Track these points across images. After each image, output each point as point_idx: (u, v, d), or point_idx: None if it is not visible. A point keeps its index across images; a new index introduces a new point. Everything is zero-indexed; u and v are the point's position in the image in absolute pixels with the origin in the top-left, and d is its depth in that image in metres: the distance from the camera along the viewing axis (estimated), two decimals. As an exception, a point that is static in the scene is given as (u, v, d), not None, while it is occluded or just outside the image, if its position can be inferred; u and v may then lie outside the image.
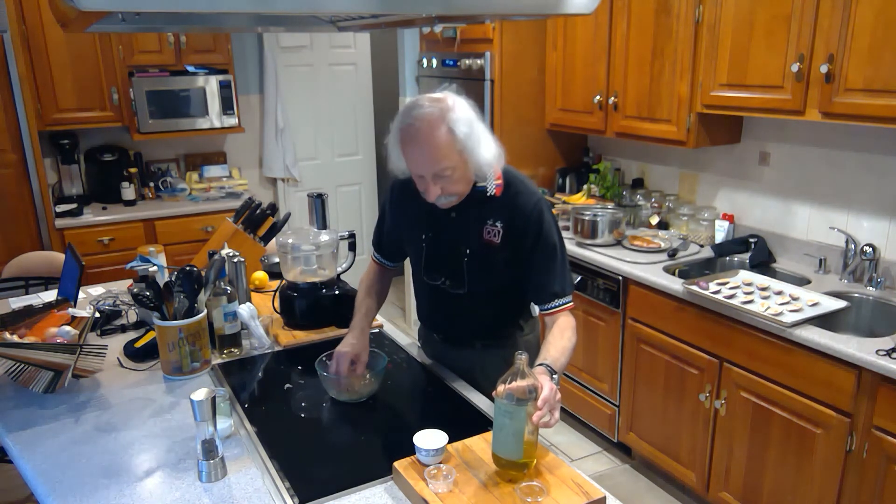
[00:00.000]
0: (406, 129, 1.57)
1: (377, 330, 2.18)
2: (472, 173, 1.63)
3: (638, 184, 3.57)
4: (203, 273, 1.90)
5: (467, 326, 1.88)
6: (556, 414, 1.39)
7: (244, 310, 2.03)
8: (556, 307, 1.71)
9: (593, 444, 3.29)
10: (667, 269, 2.79)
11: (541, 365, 1.53)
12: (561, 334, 1.66)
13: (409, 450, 1.42)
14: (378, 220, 1.99)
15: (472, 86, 3.69)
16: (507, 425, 1.33)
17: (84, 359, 1.84)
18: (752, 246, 2.90)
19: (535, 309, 1.93)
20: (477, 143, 1.58)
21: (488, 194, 1.69)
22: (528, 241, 1.69)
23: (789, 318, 2.24)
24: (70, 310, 2.02)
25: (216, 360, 1.98)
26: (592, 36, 3.26)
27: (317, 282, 2.16)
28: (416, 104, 1.58)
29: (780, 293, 2.45)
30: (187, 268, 1.84)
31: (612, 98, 3.20)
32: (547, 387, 1.38)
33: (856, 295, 2.50)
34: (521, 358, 1.34)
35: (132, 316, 2.30)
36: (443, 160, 1.55)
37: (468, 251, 1.73)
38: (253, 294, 2.45)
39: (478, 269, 1.74)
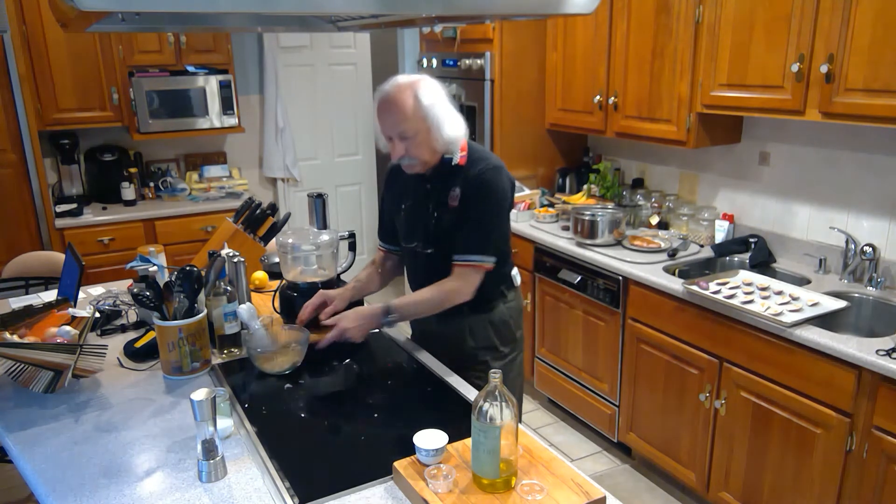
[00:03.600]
0: (380, 97, 1.81)
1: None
2: (435, 143, 1.83)
3: (638, 184, 3.57)
4: (203, 273, 1.90)
5: None
6: (351, 333, 1.85)
7: (244, 310, 2.03)
8: (457, 260, 1.90)
9: (593, 444, 3.29)
10: (667, 269, 2.79)
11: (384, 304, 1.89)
12: (431, 289, 1.91)
13: (409, 450, 1.42)
14: (379, 205, 2.20)
15: (472, 86, 3.69)
16: (482, 443, 1.32)
17: (84, 359, 1.84)
18: (752, 246, 2.90)
19: (517, 279, 2.09)
20: (442, 115, 1.81)
21: (453, 164, 1.90)
22: (469, 202, 1.89)
23: (789, 318, 2.24)
24: (70, 310, 2.02)
25: (216, 360, 1.98)
26: (592, 36, 3.26)
27: (317, 282, 2.16)
28: (392, 78, 1.82)
29: (780, 293, 2.45)
30: (187, 268, 1.84)
31: (612, 98, 3.20)
32: (343, 322, 1.85)
33: (856, 295, 2.50)
34: (496, 377, 1.33)
35: (132, 316, 2.30)
36: (406, 121, 1.78)
37: (435, 214, 1.94)
38: (253, 294, 2.45)
39: (443, 229, 1.93)
